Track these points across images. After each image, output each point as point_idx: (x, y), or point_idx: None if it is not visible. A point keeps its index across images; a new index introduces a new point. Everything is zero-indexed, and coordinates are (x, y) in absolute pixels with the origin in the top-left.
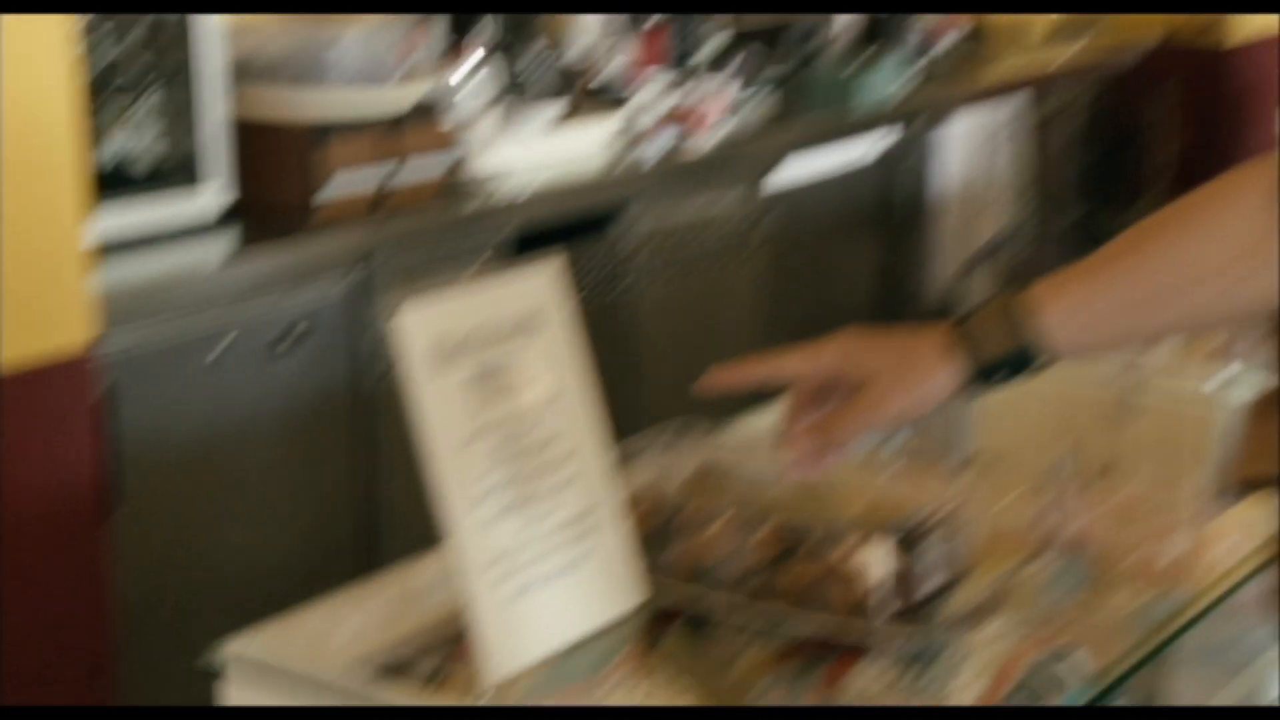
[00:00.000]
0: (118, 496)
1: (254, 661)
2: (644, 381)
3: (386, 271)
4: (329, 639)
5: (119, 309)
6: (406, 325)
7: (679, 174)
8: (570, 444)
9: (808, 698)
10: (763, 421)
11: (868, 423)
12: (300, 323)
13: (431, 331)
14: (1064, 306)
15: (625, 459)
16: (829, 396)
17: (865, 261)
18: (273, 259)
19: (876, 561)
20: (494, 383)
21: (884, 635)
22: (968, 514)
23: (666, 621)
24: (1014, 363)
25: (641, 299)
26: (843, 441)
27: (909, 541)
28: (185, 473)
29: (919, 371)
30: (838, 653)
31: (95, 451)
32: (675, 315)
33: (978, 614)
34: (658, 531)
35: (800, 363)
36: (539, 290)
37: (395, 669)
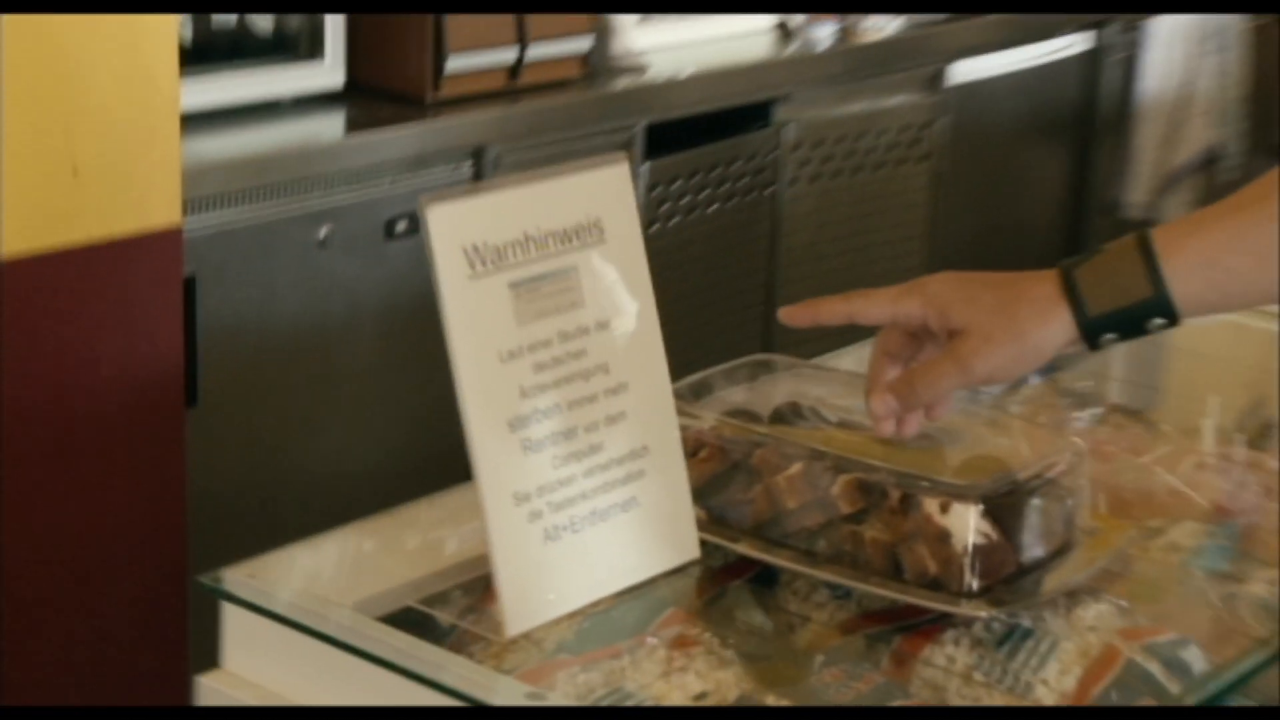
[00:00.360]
0: (200, 385)
1: (254, 589)
2: (782, 297)
3: (510, 160)
4: (350, 569)
5: (218, 182)
6: (437, 222)
7: (844, 65)
8: (624, 374)
9: (868, 677)
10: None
11: (954, 382)
12: (416, 211)
13: (468, 231)
14: (1189, 258)
15: (699, 392)
16: (924, 344)
17: (1053, 172)
18: (390, 139)
19: (967, 524)
20: (539, 296)
21: (967, 610)
22: (1087, 474)
23: (725, 579)
24: (1127, 321)
25: (791, 205)
26: (927, 401)
27: (1010, 503)
28: (275, 365)
29: (1017, 326)
30: (914, 626)
31: (178, 334)
32: (829, 225)
33: (1084, 593)
34: (722, 477)
35: (884, 306)
36: (603, 195)
37: (427, 604)
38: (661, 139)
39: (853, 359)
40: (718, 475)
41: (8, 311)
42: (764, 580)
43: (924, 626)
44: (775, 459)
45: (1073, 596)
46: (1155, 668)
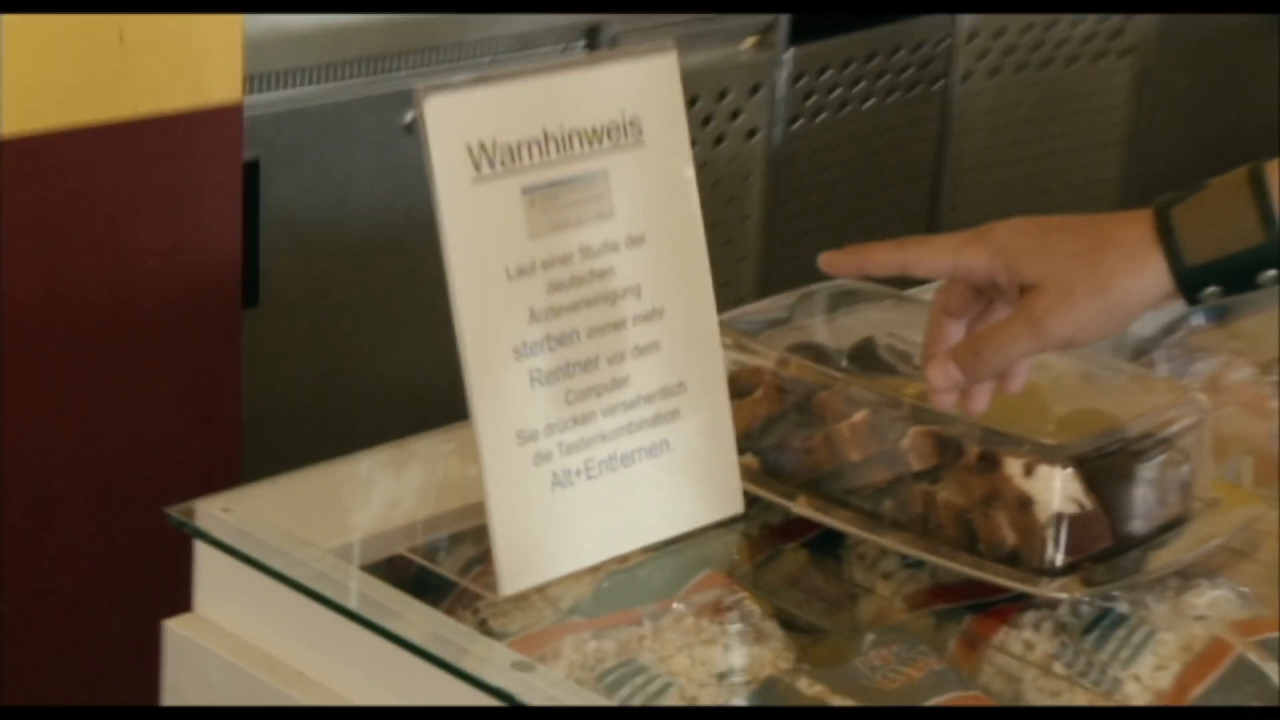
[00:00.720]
0: (262, 284)
1: (226, 525)
2: (948, 211)
3: (629, 42)
4: (344, 506)
5: (288, 55)
6: (436, 115)
7: None
8: (659, 299)
9: (923, 662)
10: None
11: (1026, 346)
12: None
13: (473, 127)
14: None
15: (767, 323)
16: (993, 302)
17: None
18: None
19: (1053, 490)
20: (558, 205)
21: (1042, 591)
22: (1209, 434)
23: (779, 539)
24: (1233, 273)
25: (963, 103)
26: (995, 369)
27: (1108, 466)
28: (348, 265)
29: (1100, 278)
30: (991, 605)
31: (237, 225)
32: (1007, 127)
33: (1197, 575)
34: (778, 421)
35: (943, 257)
36: (644, 89)
37: (430, 550)
38: (808, 21)
39: None
40: (773, 418)
41: (41, 191)
42: (826, 543)
43: (1001, 606)
44: (840, 404)
45: (1183, 579)
46: (1272, 668)
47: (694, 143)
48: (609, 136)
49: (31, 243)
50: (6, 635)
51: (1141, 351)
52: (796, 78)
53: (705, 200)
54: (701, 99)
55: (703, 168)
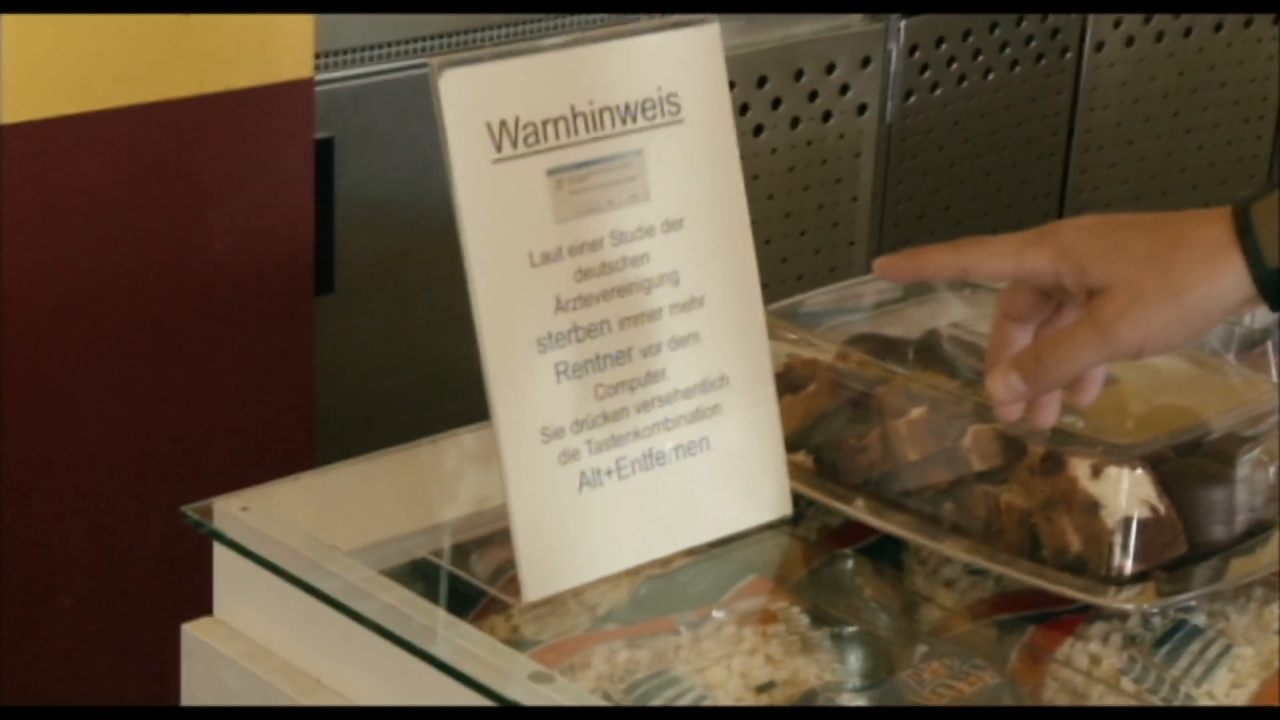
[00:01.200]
0: (338, 269)
1: (243, 525)
2: (1077, 191)
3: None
4: (370, 505)
5: (364, 28)
6: (452, 91)
7: None
8: (700, 286)
9: (976, 677)
10: None
11: (1094, 354)
12: None
13: (493, 104)
14: None
15: (828, 311)
16: (1061, 306)
17: None
18: None
19: (1121, 492)
20: (587, 187)
21: (1105, 601)
22: None
23: (834, 544)
24: None
25: (1096, 75)
26: (1061, 379)
27: (1187, 467)
28: (428, 249)
29: (1174, 280)
30: (1056, 615)
31: (309, 207)
32: (1145, 101)
33: (1276, 584)
34: (833, 417)
35: (1004, 259)
36: (683, 63)
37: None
38: None
39: None
40: (828, 414)
41: (103, 171)
42: (886, 547)
43: (1067, 616)
44: (899, 399)
45: (1268, 590)
46: None
47: (799, 120)
48: (644, 113)
49: (96, 224)
50: (68, 630)
51: (1253, 343)
52: (911, 50)
53: (812, 180)
54: (807, 73)
55: (808, 146)
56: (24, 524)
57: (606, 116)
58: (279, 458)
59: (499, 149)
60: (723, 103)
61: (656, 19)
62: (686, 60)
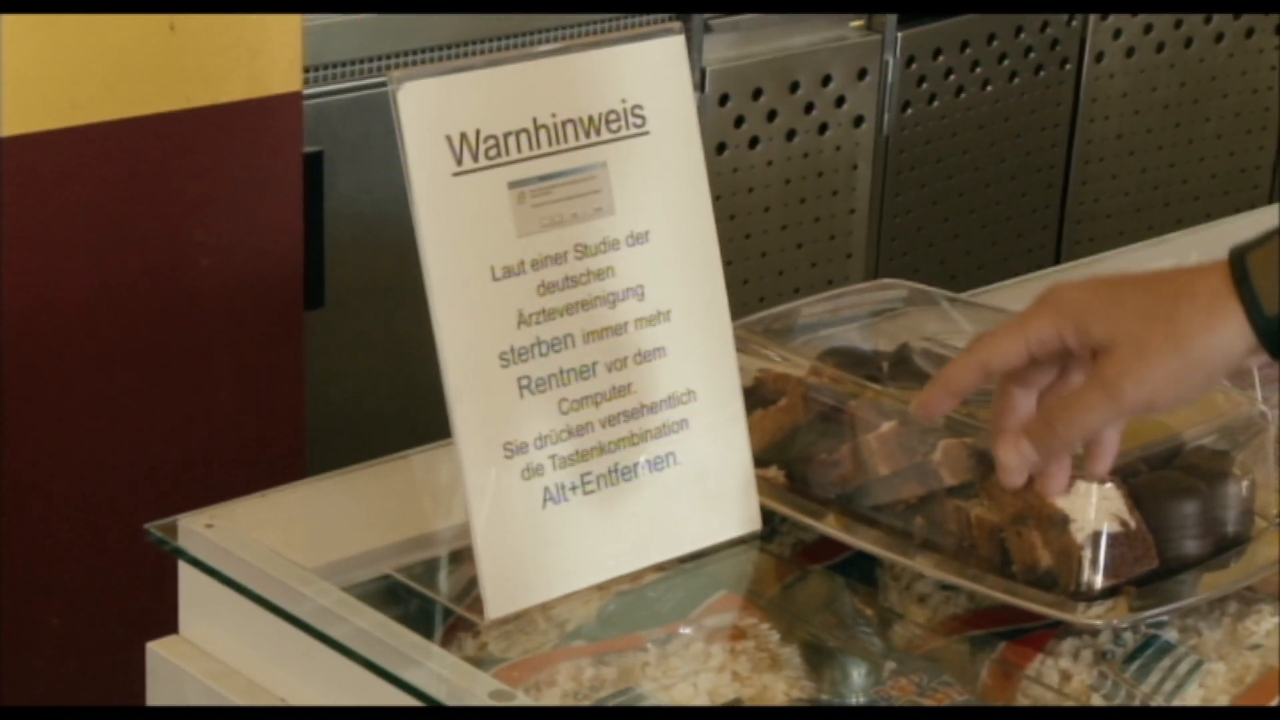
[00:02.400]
0: (328, 283)
1: (208, 543)
2: (1078, 203)
3: (721, 23)
4: (334, 522)
5: (354, 42)
6: (410, 104)
7: None
8: (665, 300)
9: (944, 694)
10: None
11: (1103, 414)
12: None
13: (454, 116)
14: None
15: (803, 326)
16: (1068, 368)
17: None
18: None
19: (1094, 505)
20: (550, 200)
21: (1074, 617)
22: (1272, 448)
23: (806, 559)
24: None
25: (1096, 87)
26: (1071, 442)
27: (1157, 481)
28: (414, 261)
29: (1176, 332)
30: (1028, 631)
31: (297, 221)
32: (1146, 112)
33: (1257, 601)
34: (805, 431)
35: (1014, 340)
36: (647, 74)
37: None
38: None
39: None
40: (800, 429)
41: (92, 185)
42: (859, 563)
43: (1038, 632)
44: (870, 414)
45: (1243, 604)
46: None
47: (795, 132)
48: (608, 125)
49: (80, 239)
50: (56, 649)
51: None
52: (907, 61)
53: (809, 193)
54: (803, 85)
55: (805, 158)
56: (9, 537)
57: (570, 129)
58: (269, 472)
59: (459, 162)
60: (688, 114)
61: (622, 31)
62: (651, 72)
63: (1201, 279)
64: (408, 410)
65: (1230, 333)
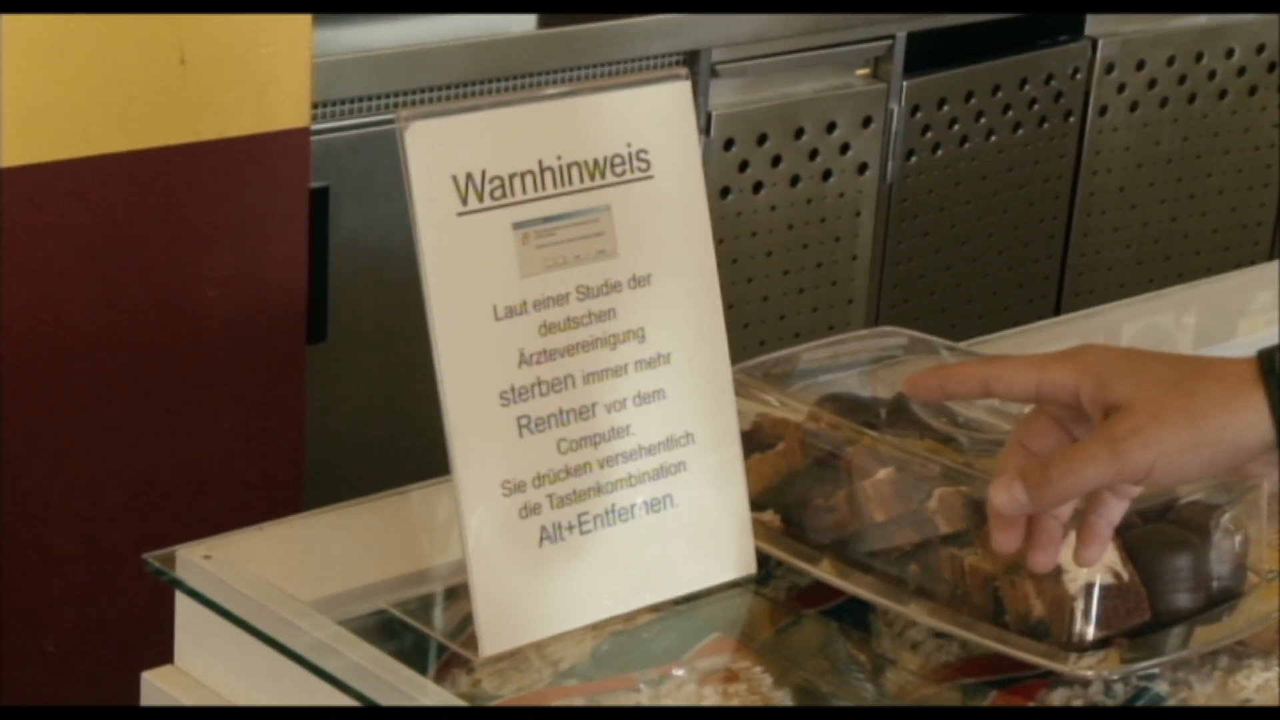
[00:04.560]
0: (331, 317)
1: (205, 574)
2: (1080, 254)
3: (730, 70)
4: (332, 556)
5: (364, 79)
6: (419, 143)
7: None
8: (666, 343)
9: None
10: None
11: (1102, 470)
12: None
13: (460, 156)
14: None
15: (803, 372)
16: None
17: None
18: (586, 36)
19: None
20: (554, 241)
21: (1065, 668)
22: (1267, 502)
23: (801, 604)
24: None
25: (1099, 140)
26: (1064, 493)
27: (1151, 534)
28: (417, 297)
29: (1195, 405)
30: (1020, 680)
31: (302, 255)
32: (1149, 166)
33: (1249, 655)
34: (802, 477)
35: (1028, 373)
36: (653, 118)
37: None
38: (926, 50)
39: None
40: (797, 474)
41: (98, 216)
42: (853, 609)
43: (1030, 682)
44: (866, 460)
45: (1234, 659)
46: None
47: (799, 178)
48: (613, 169)
49: (86, 270)
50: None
51: None
52: (912, 110)
53: (811, 239)
54: (808, 131)
55: (808, 204)
56: (9, 567)
57: (575, 171)
58: (268, 505)
59: (465, 201)
60: (693, 159)
61: (630, 75)
62: (657, 116)
63: (1230, 365)
64: (407, 445)
65: (1248, 418)
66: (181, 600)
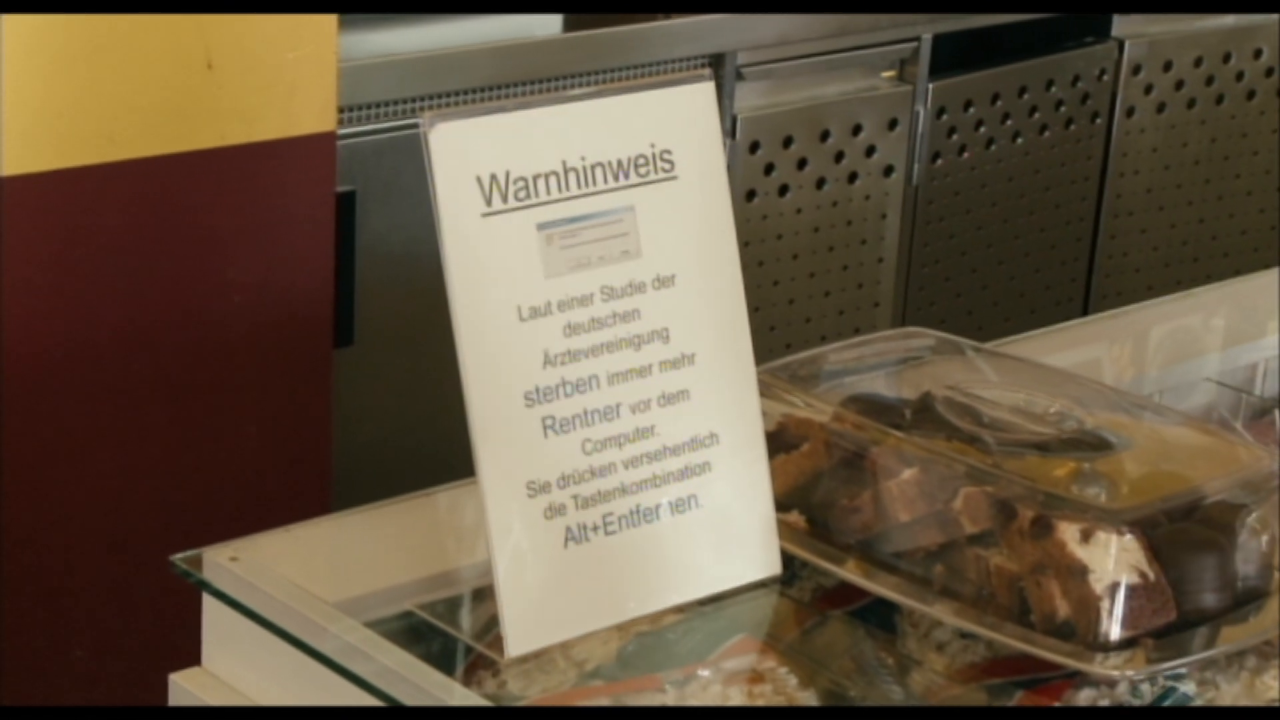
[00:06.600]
0: (358, 321)
1: (232, 576)
2: (1107, 256)
3: (755, 73)
4: (359, 556)
5: (392, 83)
6: (443, 145)
7: None
8: (690, 343)
9: None
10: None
11: None
12: None
13: (484, 158)
14: None
15: (830, 372)
16: None
17: None
18: (612, 40)
19: (1109, 557)
20: (579, 242)
21: (1091, 667)
22: None
23: (826, 604)
24: None
25: (1126, 141)
26: None
27: (1177, 534)
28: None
29: None
30: (1045, 680)
31: (328, 259)
32: (1176, 168)
33: (1270, 653)
34: (828, 477)
35: None
36: (677, 120)
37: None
38: (952, 52)
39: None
40: (822, 474)
41: (124, 221)
42: (879, 609)
43: (1056, 682)
44: (891, 461)
45: (1261, 659)
46: None
47: (825, 180)
48: (636, 170)
49: (111, 276)
50: (78, 682)
51: (1262, 411)
52: (939, 112)
53: (837, 241)
54: (834, 133)
55: (834, 207)
56: (37, 573)
57: (599, 172)
58: (295, 507)
59: (489, 203)
60: (716, 160)
61: (654, 76)
62: (680, 118)
63: None
64: (434, 447)
65: None
66: (209, 602)
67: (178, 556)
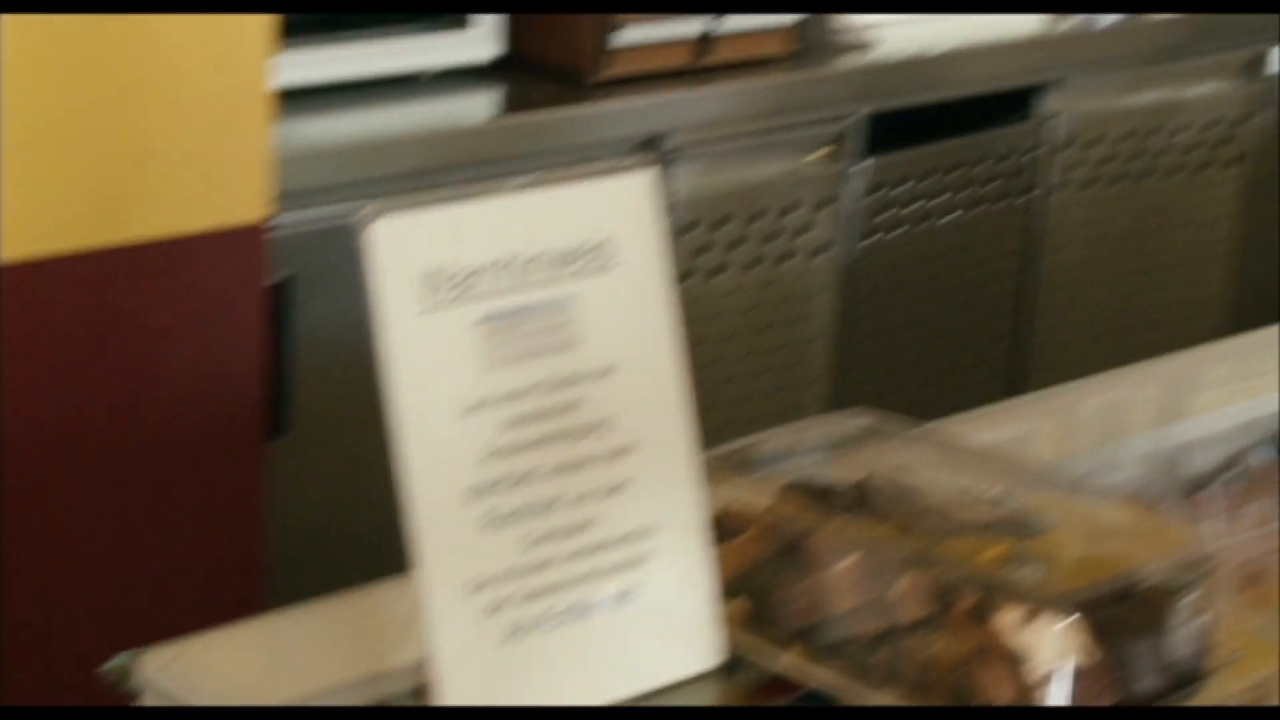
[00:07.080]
0: (294, 410)
1: (164, 684)
2: (1036, 331)
3: (692, 154)
4: (300, 657)
5: (329, 170)
6: (382, 242)
7: (1133, 45)
8: (631, 434)
9: None
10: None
11: None
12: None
13: (423, 253)
14: None
15: (767, 458)
16: None
17: None
18: (545, 125)
19: (1051, 642)
20: (517, 335)
21: None
22: (1226, 583)
23: (771, 694)
24: None
25: (1055, 216)
26: None
27: (1116, 617)
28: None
29: None
30: None
31: (258, 351)
32: (1104, 242)
33: None
34: (769, 565)
35: None
36: (615, 210)
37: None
38: (887, 131)
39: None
40: (763, 562)
41: (52, 317)
42: (824, 696)
43: None
44: (831, 547)
45: None
46: None
47: (758, 260)
48: (576, 260)
49: (39, 370)
50: None
51: (1201, 485)
52: (872, 189)
53: (771, 320)
54: (768, 213)
55: (767, 286)
56: None
57: (538, 264)
58: (226, 602)
59: (429, 296)
60: (656, 249)
61: (592, 165)
62: (619, 208)
63: None
64: (372, 536)
65: None
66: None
67: (116, 659)
